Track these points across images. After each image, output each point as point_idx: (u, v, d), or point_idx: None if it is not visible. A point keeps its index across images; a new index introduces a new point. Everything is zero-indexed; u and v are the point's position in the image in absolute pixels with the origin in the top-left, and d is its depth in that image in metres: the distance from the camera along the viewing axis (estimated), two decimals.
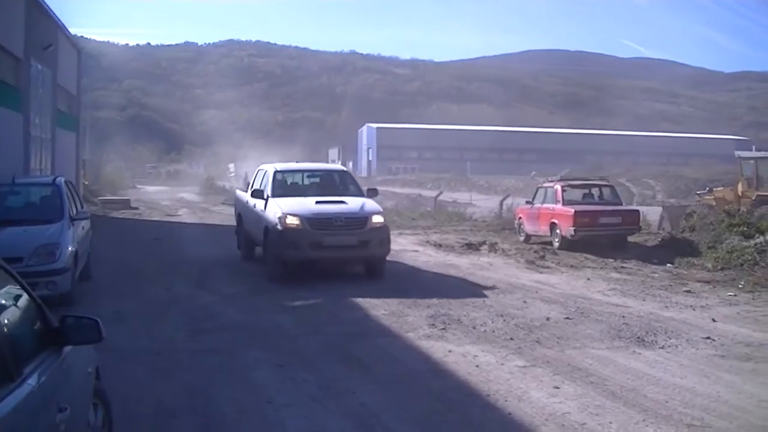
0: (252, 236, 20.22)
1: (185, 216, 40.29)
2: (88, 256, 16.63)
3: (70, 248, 14.04)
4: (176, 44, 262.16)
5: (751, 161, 36.89)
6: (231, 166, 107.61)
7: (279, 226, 17.16)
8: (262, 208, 18.48)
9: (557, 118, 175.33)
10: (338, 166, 22.84)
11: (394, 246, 22.15)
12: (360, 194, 19.10)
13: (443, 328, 12.48)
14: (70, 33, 39.43)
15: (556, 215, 24.82)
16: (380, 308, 14.08)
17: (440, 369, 10.29)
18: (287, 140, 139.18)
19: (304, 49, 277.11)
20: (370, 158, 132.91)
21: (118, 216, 38.69)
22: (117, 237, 26.89)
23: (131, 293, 15.63)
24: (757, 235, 20.35)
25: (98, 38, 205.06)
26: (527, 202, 27.55)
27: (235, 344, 11.48)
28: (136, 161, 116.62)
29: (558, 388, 9.31)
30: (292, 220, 17.14)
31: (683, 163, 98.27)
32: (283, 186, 19.60)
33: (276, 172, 19.70)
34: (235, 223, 23.07)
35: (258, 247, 20.06)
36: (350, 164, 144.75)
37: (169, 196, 62.13)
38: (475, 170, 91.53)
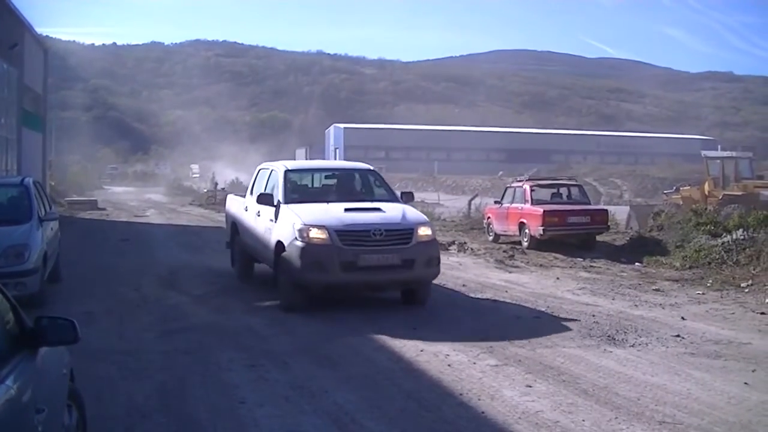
0: (253, 251, 16.63)
1: (153, 217, 40.15)
2: (56, 257, 16.47)
3: (39, 249, 13.90)
4: (142, 44, 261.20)
5: (718, 161, 37.28)
6: (194, 166, 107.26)
7: (299, 241, 13.43)
8: (272, 217, 14.75)
9: (524, 118, 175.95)
10: (362, 164, 17.92)
11: None
12: (394, 199, 15.63)
13: (414, 328, 12.50)
14: (36, 32, 39.19)
15: (525, 215, 24.87)
16: (346, 312, 14.06)
17: (412, 368, 10.32)
18: (255, 140, 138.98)
19: (271, 48, 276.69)
20: (337, 158, 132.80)
21: (85, 217, 38.55)
22: (85, 238, 26.78)
23: (101, 294, 15.55)
24: (724, 233, 20.48)
25: (64, 38, 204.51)
26: (496, 202, 27.65)
27: (206, 344, 11.45)
28: (102, 162, 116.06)
29: (530, 386, 9.34)
30: (317, 234, 13.47)
31: (650, 162, 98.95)
32: (298, 189, 15.97)
33: (288, 171, 15.77)
34: (227, 234, 19.18)
35: (259, 264, 16.82)
36: None
37: (136, 196, 62.00)
38: (443, 170, 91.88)
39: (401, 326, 12.60)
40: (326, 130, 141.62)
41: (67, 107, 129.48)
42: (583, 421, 8.05)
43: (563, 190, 26.44)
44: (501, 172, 78.63)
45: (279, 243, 14.19)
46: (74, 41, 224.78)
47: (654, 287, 16.88)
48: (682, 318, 13.63)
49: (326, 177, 17.35)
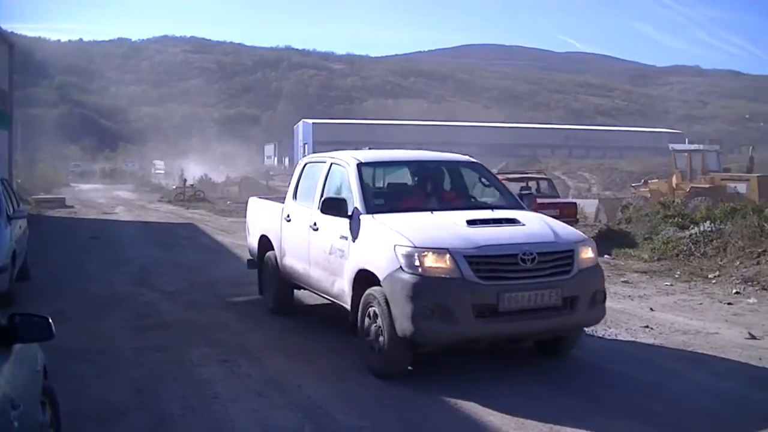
0: (303, 279, 12.13)
1: (122, 214, 39.97)
2: (25, 255, 16.35)
3: (7, 247, 13.76)
4: (109, 40, 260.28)
5: (685, 154, 37.65)
6: (158, 162, 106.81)
7: (407, 273, 8.97)
8: (345, 233, 10.36)
9: (493, 113, 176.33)
10: (459, 155, 13.27)
11: None
12: (516, 203, 11.22)
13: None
14: (0, 28, 38.90)
15: None
16: (320, 303, 14.03)
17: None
18: (223, 136, 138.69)
19: (239, 44, 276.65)
20: (306, 154, 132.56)
21: (53, 215, 38.26)
22: (54, 236, 26.62)
23: (72, 292, 15.47)
24: (691, 226, 20.65)
25: (29, 33, 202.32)
26: None
27: (179, 341, 11.43)
28: (70, 159, 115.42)
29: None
30: (437, 261, 8.99)
31: (618, 156, 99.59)
32: (382, 192, 11.69)
33: (362, 166, 11.16)
34: (251, 249, 14.86)
35: (302, 291, 13.06)
36: (286, 160, 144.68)
37: (104, 194, 61.72)
38: None
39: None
40: (295, 126, 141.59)
41: (34, 104, 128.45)
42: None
43: (532, 184, 26.42)
44: None
45: (362, 273, 9.79)
46: (40, 37, 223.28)
47: (623, 279, 17.00)
48: (651, 309, 13.76)
49: (414, 173, 12.31)
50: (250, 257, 14.98)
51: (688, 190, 34.33)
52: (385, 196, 11.39)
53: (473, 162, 12.34)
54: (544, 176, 28.58)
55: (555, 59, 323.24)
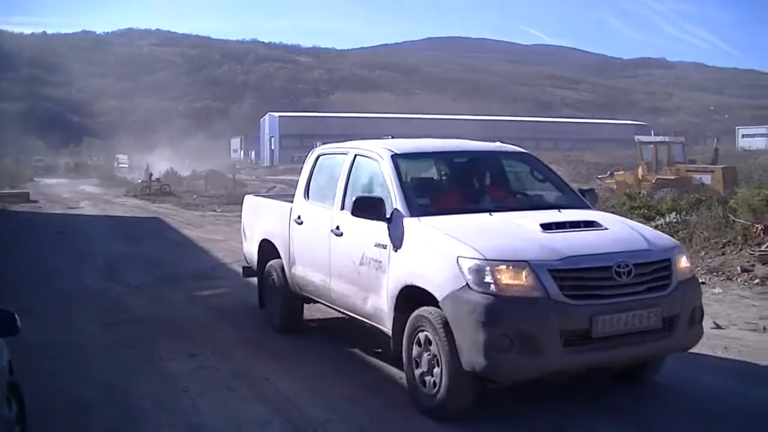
0: (322, 294, 10.29)
1: (87, 208, 39.70)
2: None
3: None
4: (73, 33, 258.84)
5: (651, 146, 38.02)
6: (121, 157, 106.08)
7: (477, 292, 7.30)
8: (380, 240, 8.62)
9: (460, 105, 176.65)
10: (505, 145, 11.03)
11: None
12: (579, 201, 9.57)
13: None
14: None
15: None
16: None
17: (357, 356, 10.33)
18: (189, 130, 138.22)
19: (206, 37, 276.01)
20: (273, 147, 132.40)
21: (17, 210, 37.95)
22: (19, 231, 26.49)
23: (39, 287, 15.36)
24: (657, 217, 20.78)
25: None
26: None
27: (148, 336, 11.36)
28: (34, 153, 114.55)
29: None
30: (514, 276, 7.36)
31: (585, 148, 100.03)
32: (423, 188, 9.63)
33: (397, 157, 9.30)
34: (249, 255, 12.83)
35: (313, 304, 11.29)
36: (252, 154, 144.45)
37: (69, 188, 61.34)
38: None
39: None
40: (261, 119, 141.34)
41: None
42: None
43: None
44: None
45: (408, 290, 8.06)
46: (3, 31, 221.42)
47: None
48: None
49: (457, 166, 10.33)
50: (246, 264, 13.10)
51: (653, 181, 34.64)
52: (428, 193, 9.40)
53: (524, 152, 10.60)
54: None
55: (522, 52, 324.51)
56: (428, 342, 7.72)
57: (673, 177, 34.76)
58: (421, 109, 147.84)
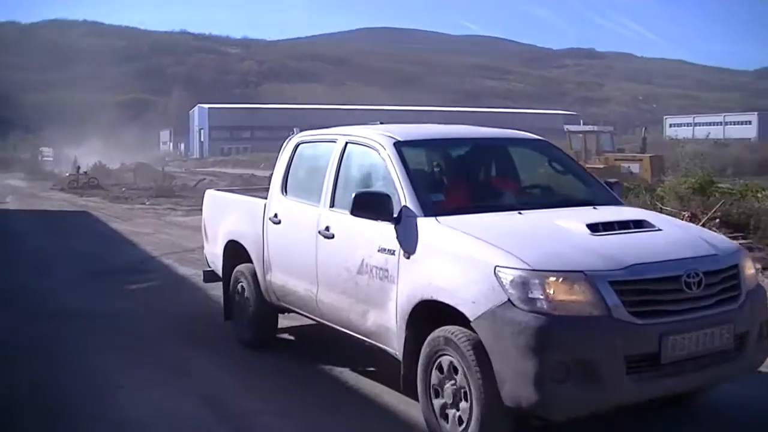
0: (305, 304, 8.86)
1: (13, 203, 38.95)
2: None
3: None
4: None
5: (580, 135, 38.48)
6: (45, 149, 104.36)
7: (523, 309, 5.95)
8: (392, 244, 7.21)
9: (389, 96, 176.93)
10: (519, 132, 9.64)
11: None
12: (611, 195, 8.34)
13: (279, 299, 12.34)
14: None
15: None
16: (218, 287, 13.84)
17: (290, 345, 10.33)
18: (117, 122, 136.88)
19: (134, 28, 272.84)
20: (202, 139, 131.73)
21: None
22: None
23: None
24: None
25: None
26: None
27: (77, 330, 11.14)
28: None
29: None
30: (569, 291, 6.01)
31: None
32: (435, 182, 8.33)
33: (401, 146, 7.87)
34: (211, 258, 11.32)
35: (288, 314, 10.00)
36: (182, 146, 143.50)
37: None
38: None
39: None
40: (190, 111, 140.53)
41: None
42: None
43: None
44: None
45: (424, 306, 6.74)
46: None
47: None
48: None
49: (471, 156, 8.86)
50: (207, 268, 11.60)
51: None
52: (441, 188, 8.09)
53: (540, 139, 9.38)
54: None
55: (452, 42, 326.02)
56: (453, 369, 6.42)
57: (601, 166, 35.19)
58: (351, 99, 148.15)
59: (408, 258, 6.94)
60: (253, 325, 10.00)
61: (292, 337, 10.71)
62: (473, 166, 8.74)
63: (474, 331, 6.16)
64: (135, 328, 11.26)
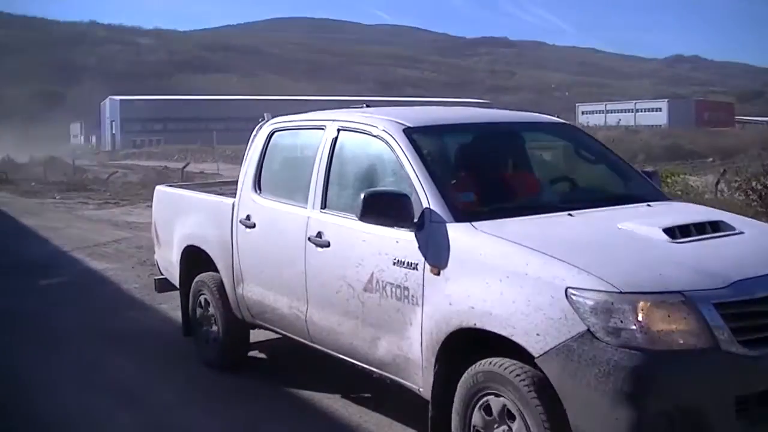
0: (290, 324, 7.47)
1: None
2: None
3: None
4: None
5: None
6: None
7: (610, 344, 4.54)
8: (414, 256, 5.73)
9: (303, 86, 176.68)
10: (538, 115, 8.56)
11: (142, 219, 21.72)
12: (656, 190, 7.17)
13: None
14: None
15: None
16: (132, 282, 13.69)
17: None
18: (27, 116, 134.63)
19: (41, 19, 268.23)
20: (114, 131, 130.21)
21: None
22: None
23: None
24: None
25: None
26: None
27: None
28: None
29: None
30: (668, 318, 4.56)
31: None
32: (459, 179, 6.62)
33: (411, 133, 6.39)
34: (164, 265, 9.96)
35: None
36: (93, 139, 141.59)
37: None
38: (223, 140, 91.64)
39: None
40: (101, 103, 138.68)
41: None
42: None
43: None
44: None
45: (462, 334, 5.39)
46: None
47: None
48: None
49: (496, 145, 7.36)
50: (160, 276, 10.20)
51: None
52: (468, 185, 6.47)
53: (566, 123, 8.16)
54: None
55: (365, 32, 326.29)
56: (507, 414, 5.09)
57: None
58: (264, 90, 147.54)
59: (437, 274, 5.51)
60: (220, 344, 8.57)
61: (262, 355, 9.22)
62: (499, 156, 7.30)
63: (538, 369, 4.81)
64: (48, 325, 11.03)
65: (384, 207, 5.86)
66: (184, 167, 42.39)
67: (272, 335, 8.50)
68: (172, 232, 9.39)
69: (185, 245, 9.01)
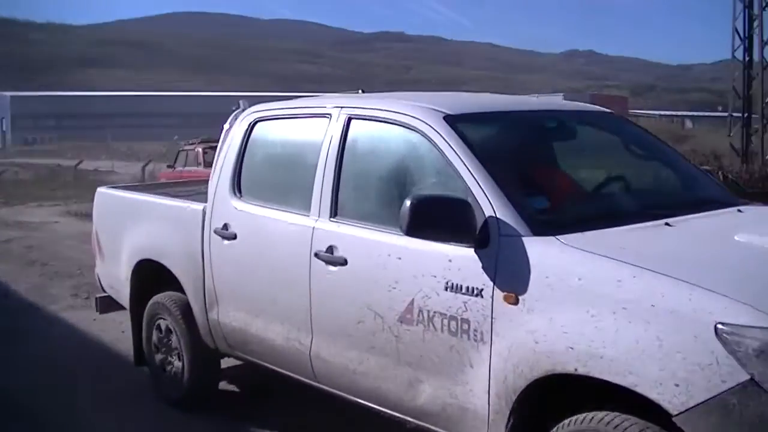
0: (284, 357, 6.10)
1: None
2: None
3: None
4: None
5: None
6: None
7: None
8: (478, 279, 4.48)
9: (199, 82, 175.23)
10: (586, 104, 7.15)
11: (33, 218, 21.37)
12: (722, 189, 6.24)
13: (87, 297, 11.77)
14: None
15: (199, 177, 24.71)
16: (21, 283, 13.41)
17: (87, 338, 9.86)
18: None
19: None
20: (5, 129, 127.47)
21: None
22: None
23: None
24: None
25: None
26: (168, 166, 27.74)
27: None
28: None
29: None
30: None
31: None
32: (526, 180, 5.28)
33: (452, 121, 5.11)
34: (114, 283, 8.31)
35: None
36: None
37: None
38: (118, 137, 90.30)
39: (72, 298, 11.94)
40: None
41: None
42: None
43: None
44: (176, 137, 78.13)
45: (548, 382, 4.19)
46: None
47: None
48: None
49: (555, 139, 6.26)
50: (102, 294, 8.75)
51: None
52: (536, 188, 5.23)
53: (610, 113, 6.73)
54: None
55: (262, 26, 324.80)
56: None
57: None
58: (159, 85, 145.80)
59: (514, 303, 4.31)
60: (186, 378, 7.19)
61: (233, 387, 7.86)
62: (562, 152, 6.20)
63: (674, 430, 3.70)
64: None
65: (439, 217, 4.57)
66: (77, 165, 41.79)
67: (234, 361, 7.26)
68: (120, 242, 7.93)
69: (138, 259, 7.58)
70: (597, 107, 6.99)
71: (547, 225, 4.52)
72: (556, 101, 8.14)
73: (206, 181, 7.13)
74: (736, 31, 34.83)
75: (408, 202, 4.51)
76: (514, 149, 5.67)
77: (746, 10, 34.46)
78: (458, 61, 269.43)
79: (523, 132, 5.88)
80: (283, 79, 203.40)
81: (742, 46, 34.79)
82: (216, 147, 22.03)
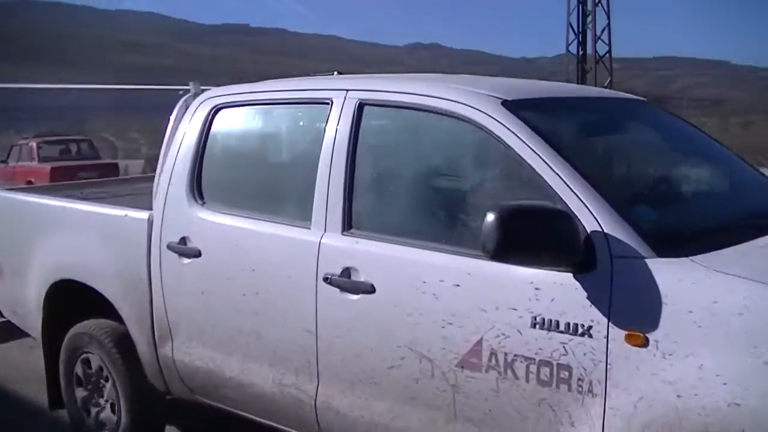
0: (262, 405, 4.79)
1: None
2: None
3: None
4: None
5: None
6: None
7: None
8: (586, 318, 3.34)
9: (32, 73, 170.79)
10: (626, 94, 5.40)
11: None
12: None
13: None
14: None
15: (33, 172, 24.74)
16: None
17: None
18: None
19: None
20: None
21: None
22: None
23: None
24: None
25: None
26: (1, 162, 27.41)
27: None
28: None
29: None
30: None
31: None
32: (620, 184, 4.25)
33: (515, 108, 3.89)
34: (20, 309, 6.67)
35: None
36: None
37: None
38: None
39: None
40: None
41: None
42: None
43: (72, 146, 27.35)
44: (25, 136, 76.21)
45: None
46: None
47: None
48: None
49: (628, 136, 5.14)
50: (1, 319, 7.39)
51: None
52: (634, 194, 4.22)
53: (643, 101, 5.53)
54: (83, 138, 29.68)
55: (101, 16, 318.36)
56: None
57: None
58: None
59: (642, 344, 3.25)
60: (123, 427, 5.71)
61: None
62: (641, 150, 5.10)
63: None
64: None
65: (538, 233, 3.39)
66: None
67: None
68: (26, 258, 6.33)
69: (55, 279, 6.00)
70: (633, 96, 5.57)
71: (670, 242, 3.46)
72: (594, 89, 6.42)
73: (115, 180, 6.11)
74: (570, 25, 35.90)
75: (492, 216, 3.33)
76: (597, 145, 4.73)
77: (580, 6, 35.51)
78: (303, 54, 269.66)
79: (601, 123, 4.88)
80: (126, 72, 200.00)
81: (576, 41, 35.83)
82: (50, 142, 21.37)
